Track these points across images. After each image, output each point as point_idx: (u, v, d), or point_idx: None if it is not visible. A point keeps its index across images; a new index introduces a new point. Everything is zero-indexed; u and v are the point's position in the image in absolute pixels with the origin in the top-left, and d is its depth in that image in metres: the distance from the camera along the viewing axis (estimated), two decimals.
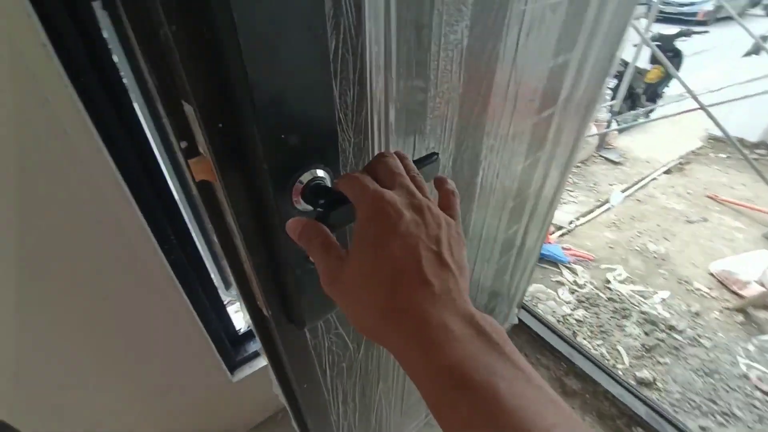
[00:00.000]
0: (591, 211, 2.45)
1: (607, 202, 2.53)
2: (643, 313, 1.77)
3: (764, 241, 2.19)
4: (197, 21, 0.21)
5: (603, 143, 3.08)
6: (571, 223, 2.34)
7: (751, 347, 1.64)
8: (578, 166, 2.90)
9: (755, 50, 3.26)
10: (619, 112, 3.07)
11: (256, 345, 1.25)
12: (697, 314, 1.77)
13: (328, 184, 0.30)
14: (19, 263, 0.65)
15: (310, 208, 0.29)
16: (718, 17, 7.91)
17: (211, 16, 0.20)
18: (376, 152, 0.41)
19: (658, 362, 1.57)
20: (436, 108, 0.47)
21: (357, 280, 0.26)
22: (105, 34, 0.56)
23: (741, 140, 3.13)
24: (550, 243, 2.12)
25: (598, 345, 1.64)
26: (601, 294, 1.88)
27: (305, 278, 0.32)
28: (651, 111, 3.33)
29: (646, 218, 2.42)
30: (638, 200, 2.60)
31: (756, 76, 2.68)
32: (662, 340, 1.65)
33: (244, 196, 0.28)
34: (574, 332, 1.69)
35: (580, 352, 1.48)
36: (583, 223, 2.36)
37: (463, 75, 0.49)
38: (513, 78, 0.61)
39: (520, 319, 1.56)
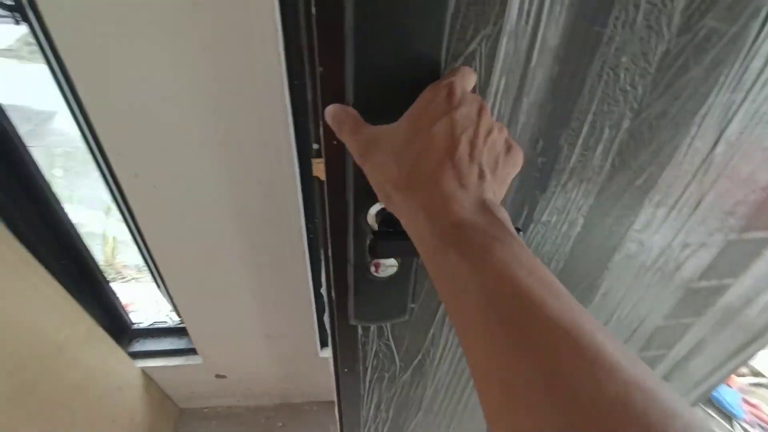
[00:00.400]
0: None
1: None
2: None
3: None
4: (333, 69, 0.29)
5: None
6: None
7: None
8: None
9: None
10: None
11: None
12: None
13: None
14: (233, 208, 0.92)
15: (375, 227, 0.35)
16: None
17: (341, 70, 0.28)
18: None
19: None
20: (563, 184, 0.46)
21: (392, 146, 0.28)
22: None
23: None
24: (728, 385, 1.61)
25: None
26: None
27: (361, 285, 0.38)
28: None
29: None
30: None
31: None
32: None
33: (337, 200, 0.35)
34: None
35: None
36: None
37: (613, 160, 0.46)
38: (698, 182, 0.52)
39: None
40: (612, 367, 0.17)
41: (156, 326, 1.47)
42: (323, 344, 1.39)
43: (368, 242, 0.32)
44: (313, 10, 0.26)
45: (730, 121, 0.46)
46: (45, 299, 1.05)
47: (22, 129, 0.98)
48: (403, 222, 0.28)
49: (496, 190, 0.28)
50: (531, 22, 0.32)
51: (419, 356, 0.58)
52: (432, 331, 0.56)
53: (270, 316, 1.25)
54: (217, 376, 1.47)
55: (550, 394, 0.18)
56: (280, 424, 1.56)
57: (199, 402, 1.57)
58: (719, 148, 0.48)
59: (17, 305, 0.97)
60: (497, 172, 0.28)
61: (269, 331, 1.31)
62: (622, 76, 0.39)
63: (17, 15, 0.79)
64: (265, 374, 1.48)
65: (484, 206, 0.25)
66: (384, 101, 0.29)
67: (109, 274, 2.00)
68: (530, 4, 0.31)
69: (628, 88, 0.41)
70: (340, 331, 0.46)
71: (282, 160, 0.86)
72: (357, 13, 0.26)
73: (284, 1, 0.67)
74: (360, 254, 0.38)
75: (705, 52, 0.39)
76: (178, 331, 1.45)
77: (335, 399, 0.62)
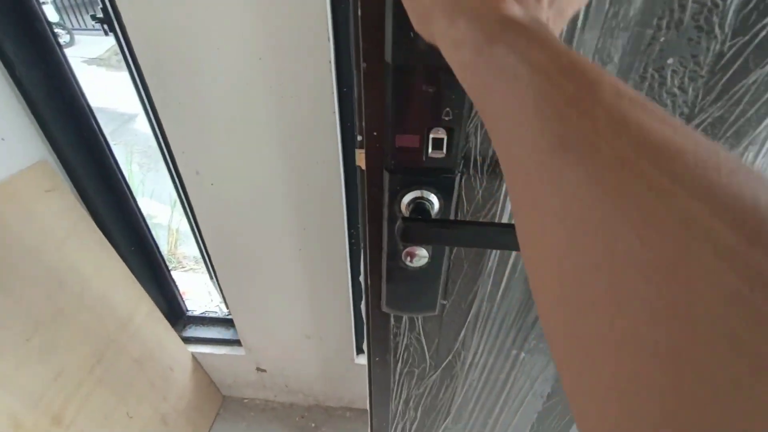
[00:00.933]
0: None
1: None
2: None
3: None
4: (374, 65, 0.31)
5: None
6: None
7: None
8: None
9: None
10: None
11: None
12: None
13: (432, 211, 0.36)
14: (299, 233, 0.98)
15: (406, 215, 0.37)
16: None
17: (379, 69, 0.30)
18: (505, 204, 0.43)
19: None
20: None
21: None
22: None
23: None
24: None
25: None
26: None
27: (394, 272, 0.40)
28: None
29: None
30: None
31: None
32: None
33: (374, 188, 0.38)
34: None
35: None
36: None
37: None
38: None
39: None
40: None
41: (207, 315, 1.58)
42: (359, 351, 1.41)
43: (397, 226, 0.34)
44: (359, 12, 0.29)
45: None
46: (115, 279, 1.17)
47: (108, 128, 1.12)
48: (442, 45, 0.24)
49: (552, 17, 0.24)
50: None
51: (449, 357, 0.58)
52: (463, 333, 0.56)
53: (311, 317, 1.29)
54: (258, 369, 1.54)
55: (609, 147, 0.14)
56: (313, 424, 1.60)
57: (240, 392, 1.64)
58: None
59: (93, 282, 1.09)
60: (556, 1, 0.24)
61: (309, 332, 1.35)
62: (668, 78, 0.38)
63: (105, 26, 0.92)
64: (303, 374, 1.52)
65: (538, 20, 0.21)
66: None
67: (170, 263, 2.18)
68: None
69: (677, 91, 0.40)
70: (373, 318, 0.48)
71: (329, 166, 0.91)
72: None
73: (336, 21, 0.73)
74: (393, 242, 0.40)
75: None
76: (226, 322, 1.54)
77: (367, 389, 0.64)
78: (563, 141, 0.16)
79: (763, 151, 0.43)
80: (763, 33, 0.35)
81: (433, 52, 0.28)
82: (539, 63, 0.18)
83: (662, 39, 0.35)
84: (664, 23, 0.34)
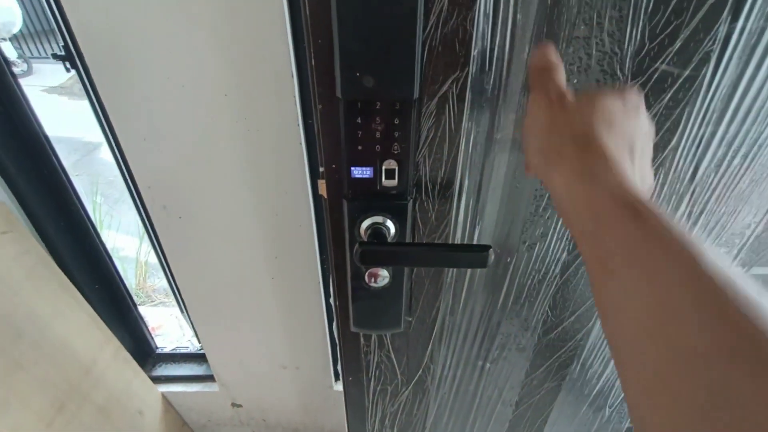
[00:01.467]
0: None
1: None
2: None
3: None
4: (329, 107, 0.36)
5: None
6: None
7: None
8: None
9: None
10: None
11: None
12: None
13: (389, 234, 0.40)
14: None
15: (364, 239, 0.40)
16: None
17: (335, 107, 0.35)
18: (458, 224, 0.47)
19: None
20: (542, 209, 0.50)
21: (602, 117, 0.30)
22: None
23: None
24: None
25: None
26: None
27: (358, 293, 0.43)
28: None
29: None
30: None
31: None
32: None
33: (336, 214, 0.41)
34: None
35: None
36: None
37: None
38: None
39: None
40: None
41: (178, 351, 1.53)
42: (337, 378, 1.40)
43: (354, 250, 0.37)
44: (313, 62, 0.34)
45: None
46: (77, 322, 1.13)
47: (71, 159, 1.11)
48: (555, 188, 0.29)
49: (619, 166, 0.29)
50: (494, 68, 0.39)
51: (420, 372, 0.61)
52: (430, 347, 0.59)
53: (286, 347, 1.28)
54: (233, 404, 1.49)
55: None
56: None
57: (215, 430, 1.58)
58: (697, 178, 0.52)
59: (52, 327, 1.05)
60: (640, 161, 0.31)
61: (285, 362, 1.34)
62: None
63: (67, 63, 0.92)
64: (280, 406, 1.49)
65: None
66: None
67: (139, 298, 2.10)
68: (491, 54, 0.38)
69: None
70: (344, 339, 0.51)
71: (298, 195, 0.94)
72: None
73: (299, 58, 0.77)
74: (355, 265, 0.43)
75: (662, 92, 0.44)
76: (198, 357, 1.49)
77: (345, 411, 0.65)
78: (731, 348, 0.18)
79: (665, 171, 0.50)
80: (656, 75, 0.42)
81: (378, 90, 0.33)
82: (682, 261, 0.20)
83: (575, 81, 0.41)
84: (575, 68, 0.40)
